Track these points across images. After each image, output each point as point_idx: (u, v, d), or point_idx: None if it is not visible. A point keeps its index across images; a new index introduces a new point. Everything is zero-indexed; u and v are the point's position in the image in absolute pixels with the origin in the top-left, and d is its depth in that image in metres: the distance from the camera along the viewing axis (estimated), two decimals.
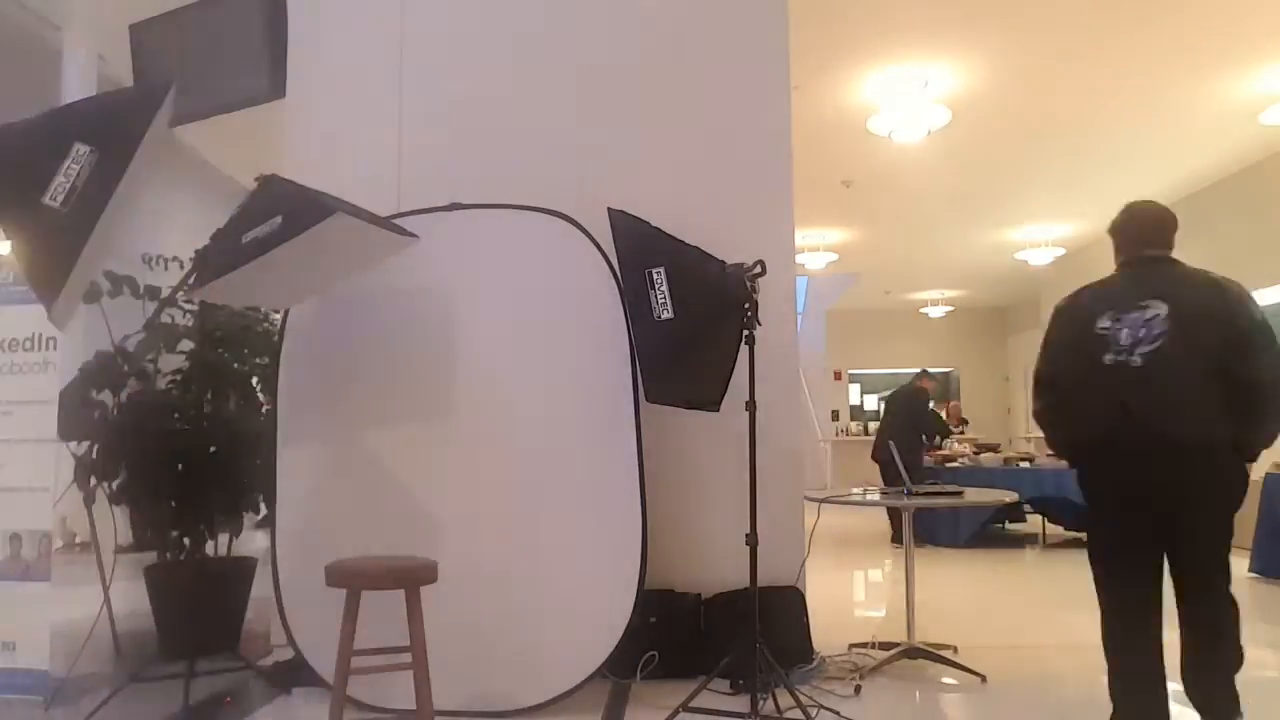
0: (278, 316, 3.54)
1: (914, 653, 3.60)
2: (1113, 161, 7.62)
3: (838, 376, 15.97)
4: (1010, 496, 3.86)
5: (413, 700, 2.46)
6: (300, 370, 3.44)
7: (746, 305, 2.97)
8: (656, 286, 2.98)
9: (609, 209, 3.14)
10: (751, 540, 2.98)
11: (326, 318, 3.44)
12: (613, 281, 3.32)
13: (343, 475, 3.32)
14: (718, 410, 3.17)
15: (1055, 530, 7.93)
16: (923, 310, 14.60)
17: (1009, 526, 8.43)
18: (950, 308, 14.63)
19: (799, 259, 10.06)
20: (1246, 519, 6.06)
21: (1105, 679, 2.41)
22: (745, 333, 2.99)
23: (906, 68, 5.73)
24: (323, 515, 3.29)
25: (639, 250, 3.07)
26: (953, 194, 8.61)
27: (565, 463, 3.28)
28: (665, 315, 2.97)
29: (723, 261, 3.15)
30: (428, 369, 3.38)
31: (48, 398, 3.30)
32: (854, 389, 17.06)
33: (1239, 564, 6.01)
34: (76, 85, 5.96)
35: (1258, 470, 6.44)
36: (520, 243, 3.43)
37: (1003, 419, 15.79)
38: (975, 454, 8.55)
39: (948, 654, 3.63)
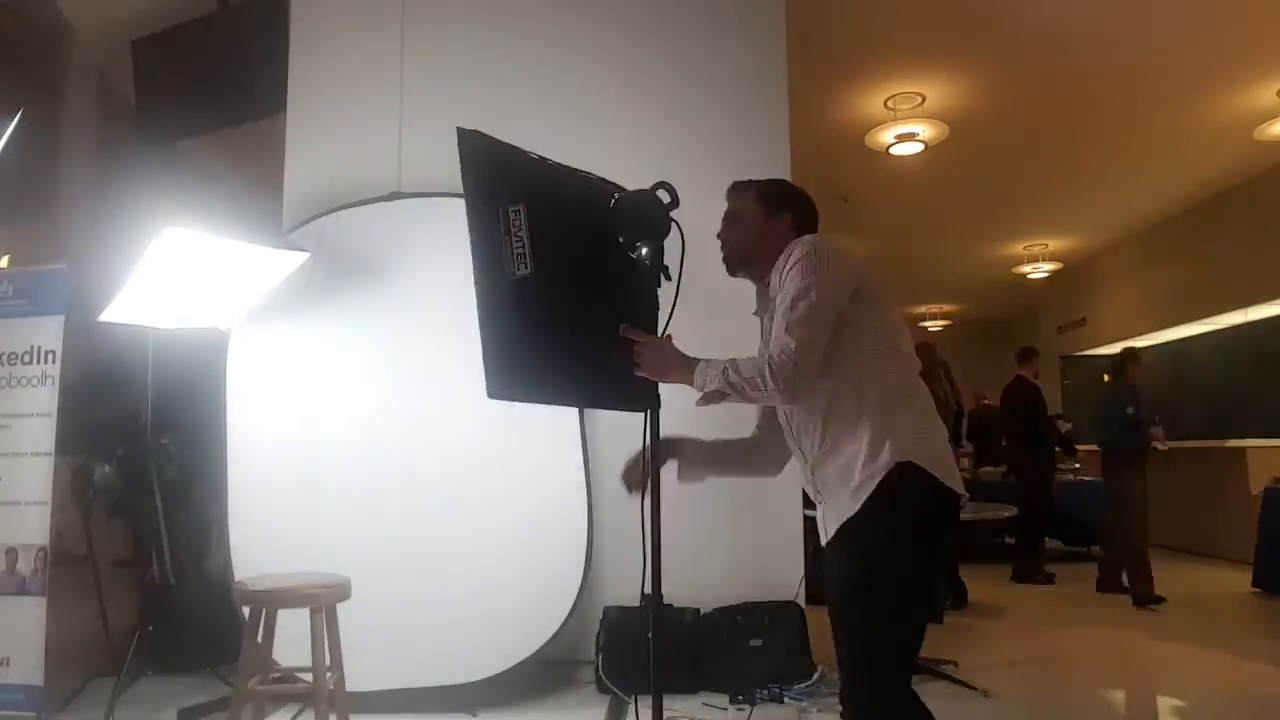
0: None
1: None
2: (1109, 177, 7.65)
3: None
4: (1009, 511, 3.86)
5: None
6: (247, 384, 3.46)
7: (643, 249, 1.99)
8: (513, 232, 2.05)
9: (457, 128, 2.11)
10: (654, 573, 2.08)
11: (270, 328, 3.47)
12: None
13: (291, 485, 3.34)
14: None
15: (1055, 545, 7.89)
16: (921, 324, 14.61)
17: (1007, 540, 8.40)
18: (948, 321, 14.65)
19: None
20: (1247, 533, 5.99)
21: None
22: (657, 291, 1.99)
23: (903, 84, 5.77)
24: (276, 527, 3.30)
25: (496, 183, 2.11)
26: (950, 209, 8.64)
27: (510, 464, 3.35)
28: (521, 272, 2.03)
29: (615, 189, 2.29)
30: (369, 370, 3.42)
31: (46, 411, 3.29)
32: None
33: (1240, 579, 5.99)
34: (78, 99, 5.98)
35: (1257, 484, 6.36)
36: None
37: None
38: (975, 468, 8.53)
39: (948, 669, 3.62)
